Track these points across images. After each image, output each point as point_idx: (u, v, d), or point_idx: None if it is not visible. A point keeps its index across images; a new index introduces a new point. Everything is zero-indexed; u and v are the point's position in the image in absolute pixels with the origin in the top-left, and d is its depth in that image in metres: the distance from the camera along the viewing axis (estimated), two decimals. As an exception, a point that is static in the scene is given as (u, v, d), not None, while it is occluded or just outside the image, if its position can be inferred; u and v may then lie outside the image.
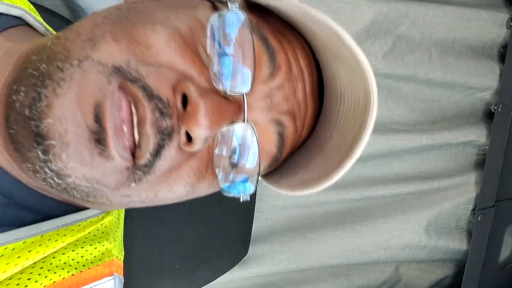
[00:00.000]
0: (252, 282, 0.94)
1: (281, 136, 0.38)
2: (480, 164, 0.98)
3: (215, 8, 0.37)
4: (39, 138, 0.29)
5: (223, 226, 0.75)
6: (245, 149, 0.36)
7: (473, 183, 0.97)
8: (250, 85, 0.33)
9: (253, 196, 0.79)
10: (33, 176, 0.31)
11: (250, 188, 0.38)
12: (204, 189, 0.37)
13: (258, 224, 0.91)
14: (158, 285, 0.71)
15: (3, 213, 0.37)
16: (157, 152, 0.31)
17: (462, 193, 0.97)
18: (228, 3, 0.34)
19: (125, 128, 0.30)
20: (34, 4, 0.53)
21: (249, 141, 0.35)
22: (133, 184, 0.33)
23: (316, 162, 0.39)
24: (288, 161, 0.43)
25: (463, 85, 0.93)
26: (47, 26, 0.47)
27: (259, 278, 0.93)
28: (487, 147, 0.95)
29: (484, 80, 0.93)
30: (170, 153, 0.32)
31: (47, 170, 0.30)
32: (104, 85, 0.30)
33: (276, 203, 0.90)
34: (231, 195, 0.38)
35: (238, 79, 0.33)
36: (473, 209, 0.98)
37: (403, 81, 0.91)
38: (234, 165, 0.36)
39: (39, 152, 0.29)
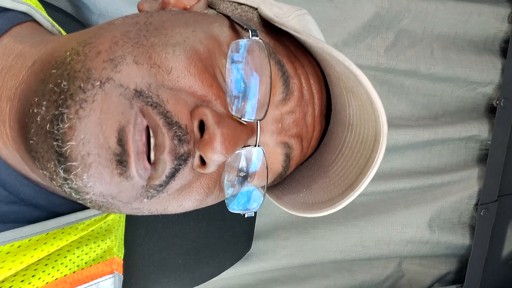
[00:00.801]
0: (255, 278, 0.94)
1: (288, 157, 0.39)
2: (483, 159, 0.98)
3: (232, 27, 0.38)
4: (62, 158, 0.29)
5: (226, 221, 0.75)
6: (253, 170, 0.37)
7: (476, 178, 0.97)
8: (264, 112, 0.34)
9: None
10: (49, 181, 0.32)
11: (255, 205, 0.39)
12: (210, 202, 0.38)
13: (261, 219, 0.91)
14: (161, 280, 0.71)
15: (8, 209, 0.37)
16: (172, 175, 0.32)
17: (465, 188, 0.97)
18: (249, 31, 0.34)
19: (145, 151, 0.31)
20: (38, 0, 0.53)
21: (258, 163, 0.36)
22: (145, 200, 0.33)
23: (319, 185, 0.41)
24: (291, 177, 0.44)
25: (465, 80, 0.93)
26: (53, 22, 0.47)
27: (262, 273, 0.93)
28: (489, 142, 0.95)
29: (486, 75, 0.93)
30: (183, 174, 0.33)
31: (66, 187, 0.30)
32: (127, 109, 0.30)
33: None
34: (236, 211, 0.38)
35: (253, 105, 0.34)
36: (476, 204, 0.98)
37: (405, 75, 0.91)
38: (240, 184, 0.37)
39: (60, 171, 0.30)
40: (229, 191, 0.37)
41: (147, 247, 0.70)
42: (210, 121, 0.32)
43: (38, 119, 0.30)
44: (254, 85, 0.34)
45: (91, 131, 0.29)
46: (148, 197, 0.33)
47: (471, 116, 0.96)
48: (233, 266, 0.79)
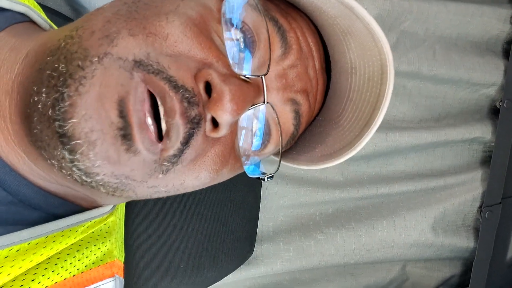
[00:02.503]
0: (258, 282, 0.93)
1: (297, 114, 0.39)
2: (486, 161, 0.97)
3: None
4: (65, 138, 0.29)
5: (228, 225, 0.75)
6: (266, 130, 0.37)
7: (479, 180, 0.96)
8: (267, 67, 0.34)
9: (258, 195, 0.78)
10: (58, 171, 0.31)
11: (273, 167, 0.39)
12: (226, 174, 0.38)
13: (264, 223, 0.90)
14: (163, 285, 0.71)
15: (7, 210, 0.37)
16: (187, 141, 0.32)
17: (469, 190, 0.96)
18: None
19: (149, 121, 0.30)
20: (37, 3, 0.53)
21: (269, 121, 0.36)
22: (160, 175, 0.33)
23: (333, 137, 0.41)
24: (302, 137, 0.44)
25: (468, 82, 0.92)
26: (51, 23, 0.47)
27: (265, 278, 0.93)
28: (493, 144, 0.95)
29: (488, 76, 0.92)
30: (197, 141, 0.33)
31: (75, 169, 0.30)
32: (126, 80, 0.30)
33: (282, 202, 0.90)
34: (254, 176, 0.38)
35: (254, 62, 0.34)
36: (480, 206, 0.97)
37: (407, 77, 0.90)
38: (256, 146, 0.37)
39: (65, 153, 0.29)
40: (244, 158, 0.37)
41: (149, 251, 0.69)
42: (216, 80, 0.32)
43: (40, 106, 0.30)
44: (252, 42, 0.34)
45: (92, 106, 0.29)
46: (163, 172, 0.33)
47: (474, 118, 0.96)
48: (235, 270, 0.78)
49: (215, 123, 0.33)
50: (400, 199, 0.95)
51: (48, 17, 0.50)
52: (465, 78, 0.91)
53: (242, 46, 0.34)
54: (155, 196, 0.36)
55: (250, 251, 0.80)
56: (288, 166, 0.46)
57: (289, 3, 0.40)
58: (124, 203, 0.55)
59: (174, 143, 0.31)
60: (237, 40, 0.34)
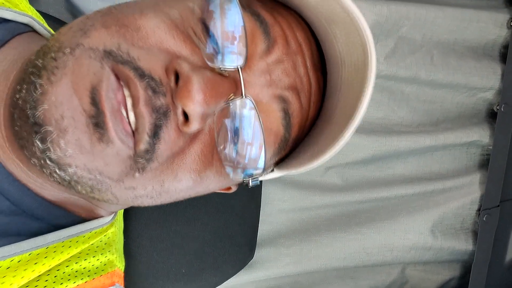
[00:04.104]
0: (259, 286, 0.94)
1: (287, 113, 0.36)
2: (484, 164, 0.98)
3: None
4: (36, 126, 0.29)
5: (228, 230, 0.75)
6: (247, 126, 0.34)
7: (478, 183, 0.97)
8: (244, 59, 0.33)
9: (258, 200, 0.79)
10: (41, 172, 0.31)
11: (258, 169, 0.36)
12: (213, 178, 0.36)
13: (264, 227, 0.91)
14: (165, 289, 0.71)
15: (10, 221, 0.37)
16: (155, 133, 0.31)
17: (467, 194, 0.97)
18: None
19: (123, 111, 0.30)
20: (39, 12, 0.54)
21: (250, 117, 0.34)
22: (137, 174, 0.32)
23: (325, 135, 0.38)
24: (301, 146, 0.42)
25: (465, 86, 0.93)
26: (54, 33, 0.48)
27: (266, 281, 0.93)
28: (490, 147, 0.95)
29: (486, 81, 0.93)
30: (169, 135, 0.31)
31: (48, 161, 0.30)
32: (98, 69, 0.30)
33: (282, 206, 0.90)
34: (239, 179, 0.36)
35: (231, 55, 0.33)
36: (478, 210, 0.97)
37: (405, 82, 0.91)
38: (238, 145, 0.35)
39: (38, 142, 0.29)
40: (227, 158, 0.35)
41: (151, 256, 0.70)
42: (184, 68, 0.31)
43: (20, 102, 0.30)
44: (229, 36, 0.33)
45: (63, 93, 0.29)
46: (139, 170, 0.32)
47: (471, 122, 0.96)
48: (236, 274, 0.79)
49: (187, 117, 0.31)
50: (399, 202, 0.96)
51: (49, 25, 0.51)
52: (463, 82, 0.92)
53: (219, 41, 0.33)
54: (138, 202, 0.35)
55: (251, 255, 0.80)
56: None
57: (277, 2, 0.39)
58: (122, 212, 0.55)
59: (142, 136, 0.30)
60: (213, 32, 0.33)
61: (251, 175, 0.37)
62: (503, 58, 0.94)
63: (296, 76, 0.36)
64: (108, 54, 0.30)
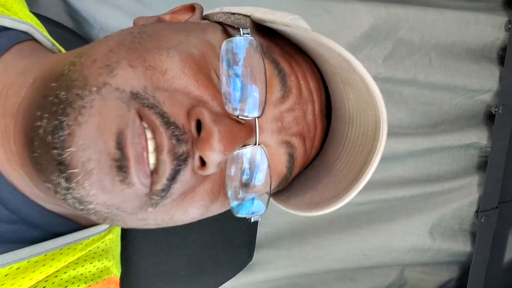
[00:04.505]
0: (258, 288, 0.94)
1: (291, 157, 0.38)
2: (482, 166, 0.98)
3: (225, 32, 0.38)
4: (62, 166, 0.29)
5: (228, 232, 0.76)
6: (256, 171, 0.36)
7: (476, 185, 0.97)
8: (262, 109, 0.34)
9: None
10: (53, 194, 0.32)
11: (260, 208, 0.38)
12: (216, 210, 0.38)
13: (263, 229, 0.91)
14: (164, 292, 0.72)
15: (9, 229, 0.37)
16: (173, 177, 0.32)
17: (465, 195, 0.97)
18: (240, 29, 0.35)
19: (145, 155, 0.31)
20: (38, 15, 0.54)
21: (260, 163, 0.36)
22: (150, 209, 0.33)
23: (325, 184, 0.40)
24: (297, 180, 0.44)
25: (463, 88, 0.93)
26: (53, 41, 0.47)
27: (265, 283, 0.93)
28: (488, 149, 0.96)
29: (484, 83, 0.93)
30: (185, 177, 0.32)
31: (69, 197, 0.30)
32: (125, 112, 0.30)
33: (281, 208, 0.90)
34: (241, 215, 0.38)
35: (249, 103, 0.34)
36: (477, 211, 0.98)
37: (404, 85, 0.91)
38: (245, 186, 0.37)
39: (61, 180, 0.30)
40: (233, 196, 0.36)
41: (150, 259, 0.70)
42: (206, 119, 0.32)
43: (41, 131, 0.30)
44: (249, 83, 0.34)
45: (90, 136, 0.29)
46: (152, 205, 0.33)
47: (470, 124, 0.97)
48: (235, 276, 0.79)
49: (203, 161, 0.33)
50: (398, 204, 0.96)
51: (48, 29, 0.51)
52: (461, 84, 0.92)
53: (239, 86, 0.34)
54: (145, 227, 0.36)
55: (250, 257, 0.80)
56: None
57: (294, 47, 0.40)
58: None
59: (161, 179, 0.31)
60: (234, 80, 0.34)
61: (253, 213, 0.39)
62: (501, 60, 0.95)
63: (305, 124, 0.38)
64: (135, 96, 0.31)
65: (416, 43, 0.90)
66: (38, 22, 0.49)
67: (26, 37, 0.44)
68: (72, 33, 0.68)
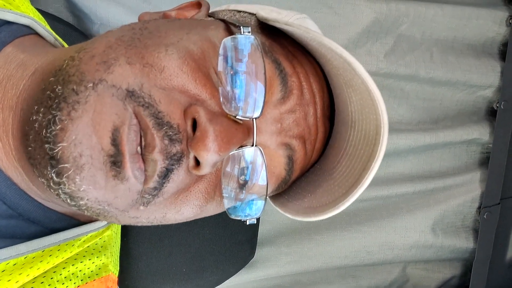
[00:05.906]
0: (259, 285, 0.93)
1: (291, 160, 0.37)
2: (484, 162, 0.98)
3: (228, 29, 0.38)
4: (53, 161, 0.29)
5: (229, 229, 0.75)
6: (253, 173, 0.35)
7: (478, 181, 0.97)
8: (260, 110, 0.33)
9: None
10: (47, 190, 0.32)
11: (256, 211, 0.38)
12: (211, 210, 0.37)
13: (265, 226, 0.91)
14: (166, 288, 0.71)
15: (6, 224, 0.37)
16: (165, 175, 0.31)
17: (467, 192, 0.97)
18: (241, 27, 0.34)
19: (140, 151, 0.31)
20: (39, 10, 0.54)
21: (258, 164, 0.35)
22: (141, 207, 0.33)
23: (324, 189, 0.39)
24: (298, 183, 0.43)
25: (465, 84, 0.93)
26: (56, 35, 0.47)
27: (266, 280, 0.93)
28: (490, 145, 0.95)
29: (485, 78, 0.93)
30: (178, 176, 0.32)
31: (60, 192, 0.30)
32: (121, 110, 0.30)
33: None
34: (237, 217, 0.37)
35: (248, 103, 0.33)
36: (479, 207, 0.98)
37: (405, 80, 0.91)
38: (241, 188, 0.36)
39: (53, 175, 0.29)
40: (228, 197, 0.36)
41: (151, 255, 0.70)
42: (202, 118, 0.31)
43: (36, 125, 0.30)
44: (248, 82, 0.33)
45: (83, 131, 0.29)
46: (144, 204, 0.32)
47: (471, 120, 0.96)
48: (237, 273, 0.78)
49: (198, 161, 0.32)
50: (400, 200, 0.96)
51: (49, 24, 0.50)
52: (462, 80, 0.92)
53: (238, 86, 0.33)
54: (138, 225, 0.36)
55: (252, 254, 0.80)
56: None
57: (299, 47, 0.39)
58: None
59: (151, 176, 0.31)
60: (233, 78, 0.33)
61: (249, 216, 0.38)
62: (502, 55, 0.94)
63: (306, 126, 0.37)
64: (131, 94, 0.30)
65: (417, 38, 0.90)
66: (41, 16, 0.49)
67: (29, 31, 0.44)
68: (73, 28, 0.68)
